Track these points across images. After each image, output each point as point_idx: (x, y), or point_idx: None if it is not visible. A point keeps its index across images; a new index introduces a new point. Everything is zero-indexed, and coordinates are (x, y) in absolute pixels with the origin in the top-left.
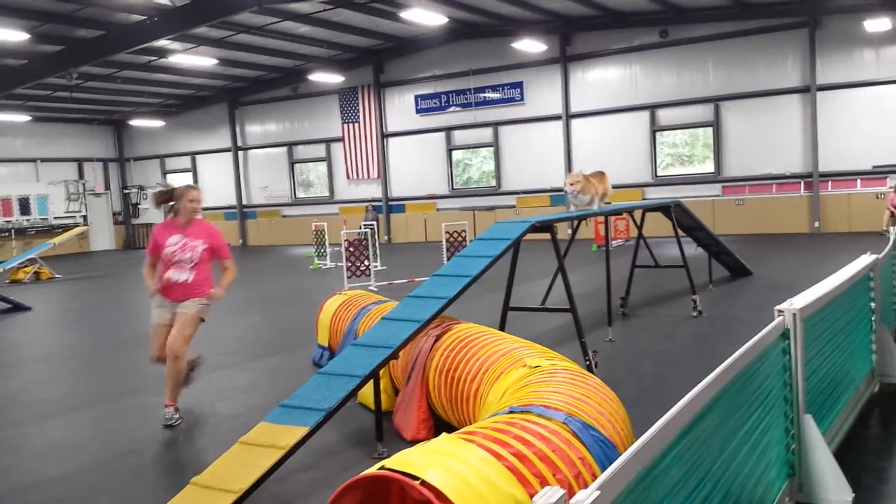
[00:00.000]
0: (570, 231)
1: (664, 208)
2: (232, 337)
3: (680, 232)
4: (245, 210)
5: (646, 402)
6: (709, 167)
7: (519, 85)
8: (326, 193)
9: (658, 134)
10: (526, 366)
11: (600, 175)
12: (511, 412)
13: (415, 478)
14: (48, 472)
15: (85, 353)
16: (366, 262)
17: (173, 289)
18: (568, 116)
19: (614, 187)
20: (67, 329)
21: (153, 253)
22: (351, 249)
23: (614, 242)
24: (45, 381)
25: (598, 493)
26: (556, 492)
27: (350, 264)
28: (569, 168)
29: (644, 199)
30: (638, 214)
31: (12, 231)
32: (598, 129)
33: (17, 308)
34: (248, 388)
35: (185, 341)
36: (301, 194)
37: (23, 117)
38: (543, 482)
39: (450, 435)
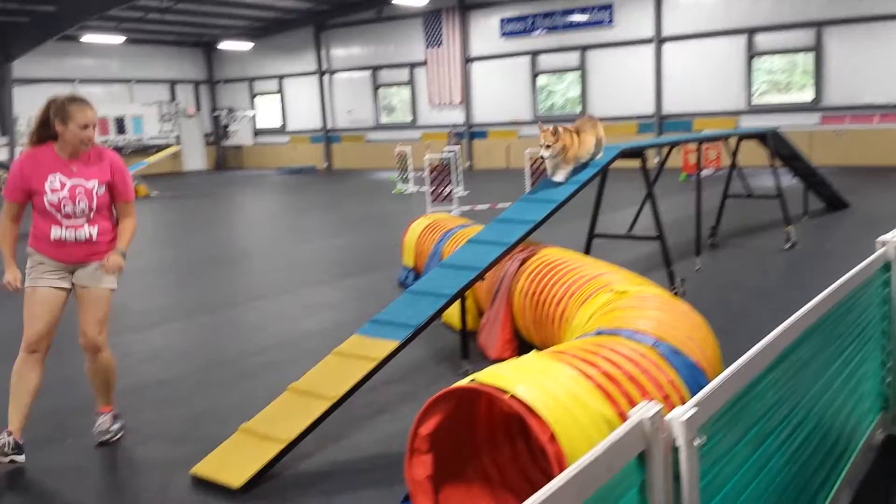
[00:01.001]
0: (657, 160)
1: (760, 136)
2: (319, 257)
3: (776, 162)
4: (330, 134)
5: (734, 333)
6: (807, 95)
7: (608, 7)
8: (409, 118)
9: (754, 59)
10: (613, 290)
11: (589, 123)
12: (599, 334)
13: (504, 392)
14: (153, 375)
15: (182, 268)
16: (448, 188)
17: (71, 250)
18: (659, 40)
19: (705, 115)
20: (165, 244)
21: (15, 199)
22: (434, 174)
23: (704, 172)
24: (146, 293)
25: (695, 409)
26: (653, 406)
27: (433, 189)
28: (658, 95)
29: (737, 127)
30: (731, 143)
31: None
32: (690, 54)
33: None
34: (336, 305)
35: (102, 327)
36: (384, 119)
37: (117, 39)
38: (632, 403)
39: (539, 353)
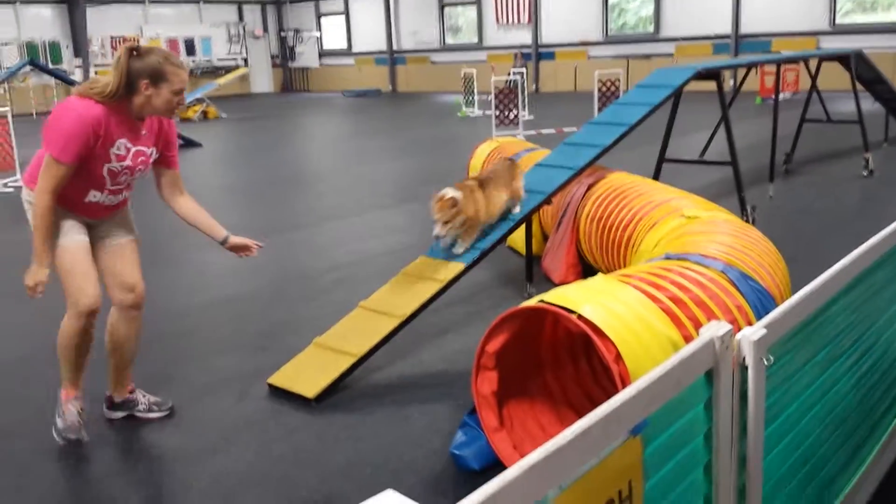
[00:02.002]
0: (732, 82)
1: (842, 58)
2: (385, 180)
3: (857, 86)
4: (395, 56)
5: (806, 261)
6: (894, 15)
7: None
8: (475, 39)
9: None
10: (683, 216)
11: (505, 172)
12: (668, 258)
13: (571, 311)
14: (231, 290)
15: (253, 188)
16: (514, 111)
17: (98, 209)
18: None
19: (785, 35)
20: (235, 165)
21: (71, 160)
22: (500, 97)
23: (782, 95)
24: (219, 212)
25: (764, 331)
26: (723, 325)
27: (498, 112)
28: (736, 14)
29: (818, 49)
30: (812, 64)
31: None
32: None
33: (190, 144)
34: (402, 227)
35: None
36: (449, 40)
37: None
38: (698, 326)
39: (606, 276)
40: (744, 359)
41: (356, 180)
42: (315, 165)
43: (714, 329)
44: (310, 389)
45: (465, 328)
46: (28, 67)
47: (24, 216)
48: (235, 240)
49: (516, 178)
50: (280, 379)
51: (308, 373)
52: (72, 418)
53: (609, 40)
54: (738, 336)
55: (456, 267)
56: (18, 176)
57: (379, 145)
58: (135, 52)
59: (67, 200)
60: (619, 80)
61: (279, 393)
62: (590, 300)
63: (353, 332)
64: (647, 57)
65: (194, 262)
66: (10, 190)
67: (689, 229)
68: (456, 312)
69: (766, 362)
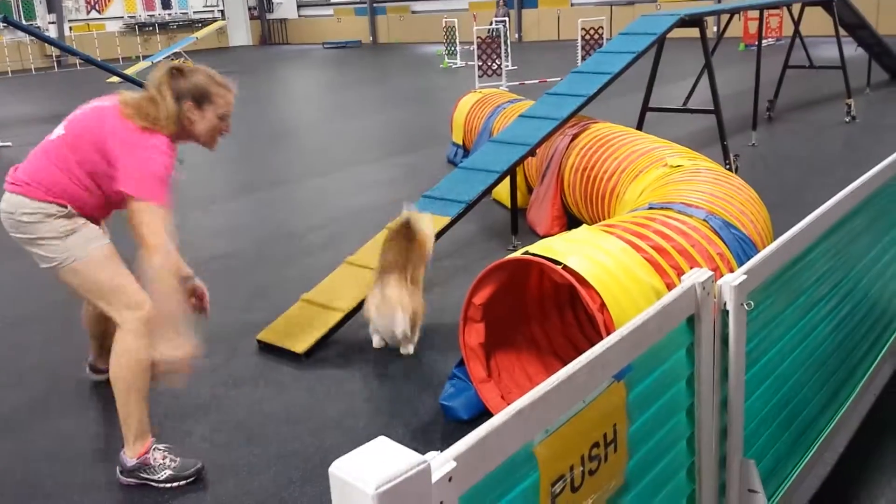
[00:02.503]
0: (716, 28)
1: (826, 3)
2: (368, 134)
3: (840, 31)
4: (375, 5)
5: (788, 207)
6: None
7: None
8: None
9: None
10: (667, 165)
11: (408, 257)
12: (651, 208)
13: (557, 263)
14: (218, 249)
15: (234, 146)
16: (497, 61)
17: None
18: None
19: None
20: None
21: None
22: (482, 47)
23: (765, 42)
24: (203, 171)
25: (744, 277)
26: (705, 272)
27: (481, 63)
28: None
29: None
30: (795, 10)
31: (156, 25)
32: None
33: None
34: (386, 182)
35: None
36: None
37: None
38: (681, 274)
39: (590, 227)
40: (725, 304)
41: (339, 135)
42: (296, 120)
43: (695, 276)
44: (299, 345)
45: (452, 281)
46: (1, 25)
47: (2, 176)
48: (197, 283)
49: (426, 244)
50: (269, 335)
51: (297, 329)
52: (179, 463)
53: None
54: (719, 282)
55: (441, 221)
56: None
57: (361, 98)
58: (176, 71)
59: (89, 210)
60: (602, 28)
61: (269, 349)
62: (575, 251)
63: (341, 287)
64: (631, 3)
65: (183, 222)
66: None
67: (672, 178)
68: (442, 266)
69: (746, 307)
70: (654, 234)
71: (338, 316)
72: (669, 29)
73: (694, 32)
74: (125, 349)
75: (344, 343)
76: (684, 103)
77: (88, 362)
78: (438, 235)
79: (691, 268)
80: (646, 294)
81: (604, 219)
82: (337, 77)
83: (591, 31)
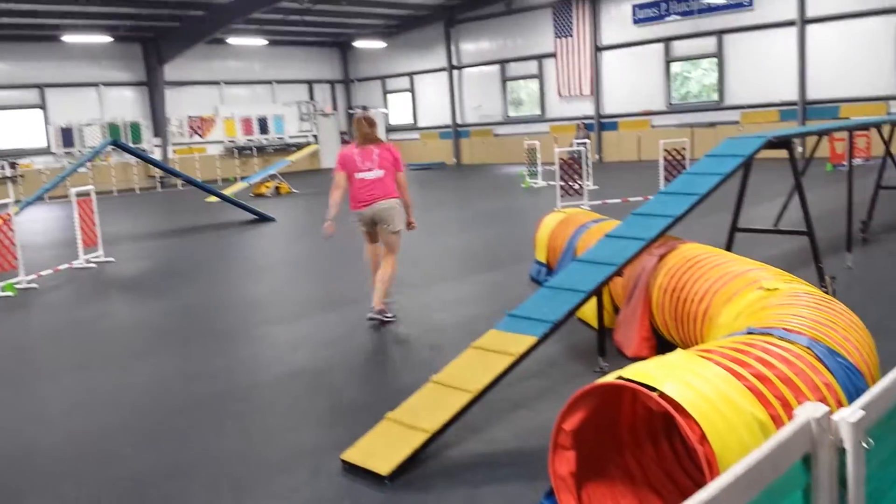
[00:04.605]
0: (801, 149)
1: None
2: (451, 252)
3: None
4: (459, 129)
5: (892, 335)
6: None
7: None
8: (537, 111)
9: None
10: (762, 288)
11: None
12: (750, 333)
13: (652, 389)
14: (301, 364)
15: (322, 260)
16: (578, 181)
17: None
18: (803, 21)
19: (853, 100)
20: (306, 239)
21: None
22: (564, 168)
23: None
24: (291, 284)
25: (862, 412)
26: (819, 407)
27: (563, 183)
28: (802, 80)
29: (889, 114)
30: (885, 130)
31: (254, 149)
32: (837, 36)
33: (263, 219)
34: (470, 299)
35: None
36: (512, 113)
37: (260, 41)
38: (786, 405)
39: (686, 351)
40: (841, 442)
41: (422, 252)
42: None
43: (810, 411)
44: (383, 466)
45: (538, 404)
46: (110, 147)
47: (108, 290)
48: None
49: None
50: (354, 455)
51: (381, 448)
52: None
53: (672, 109)
54: (836, 418)
55: (528, 340)
56: (101, 252)
57: (444, 217)
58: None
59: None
60: (684, 149)
61: (353, 469)
62: (671, 377)
63: (426, 406)
64: (712, 125)
65: (267, 335)
66: (93, 266)
67: (769, 302)
68: (527, 387)
69: (865, 446)
70: (755, 361)
71: (423, 437)
72: (757, 150)
73: (779, 154)
74: (394, 266)
75: (428, 466)
76: (775, 224)
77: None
78: (524, 355)
79: (796, 398)
80: (749, 425)
81: (695, 342)
82: (421, 197)
83: (674, 152)
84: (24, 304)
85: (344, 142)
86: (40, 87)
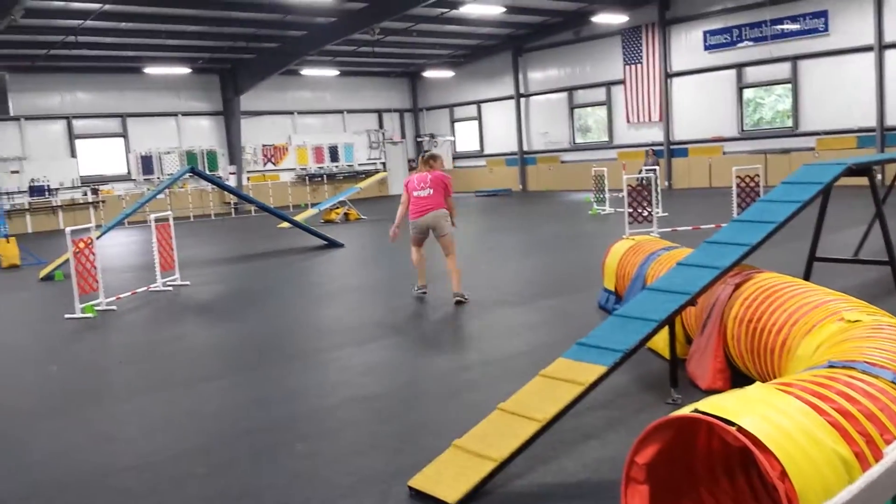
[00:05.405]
0: (879, 177)
1: None
2: (517, 277)
3: None
4: (525, 156)
5: None
6: None
7: (823, 14)
8: (605, 138)
9: None
10: (843, 319)
11: None
12: (831, 367)
13: (730, 423)
14: (370, 389)
15: (391, 285)
16: (647, 208)
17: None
18: (881, 47)
19: None
20: (375, 265)
21: None
22: (632, 195)
23: None
24: (360, 309)
25: None
26: None
27: (631, 210)
28: (881, 106)
29: None
30: None
31: (324, 176)
32: None
33: (333, 245)
34: (536, 326)
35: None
36: (579, 140)
37: (332, 72)
38: (870, 442)
39: (764, 384)
40: None
41: (489, 277)
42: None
43: None
44: (451, 494)
45: (607, 434)
46: (188, 174)
47: (183, 313)
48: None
49: None
50: (421, 481)
51: (449, 476)
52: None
53: (744, 136)
54: None
55: (597, 370)
56: (178, 275)
57: (510, 243)
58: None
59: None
60: (758, 176)
61: (420, 496)
62: (749, 411)
63: (493, 434)
64: (786, 152)
65: (335, 359)
66: (170, 289)
67: (851, 334)
68: (596, 417)
69: None
70: (837, 396)
71: (490, 465)
72: (836, 178)
73: (858, 181)
74: (455, 261)
75: (496, 496)
76: (856, 253)
77: (420, 288)
78: (594, 385)
79: (881, 435)
80: (831, 462)
81: (773, 374)
82: (487, 223)
83: (747, 179)
84: (104, 326)
85: (411, 168)
86: (122, 116)
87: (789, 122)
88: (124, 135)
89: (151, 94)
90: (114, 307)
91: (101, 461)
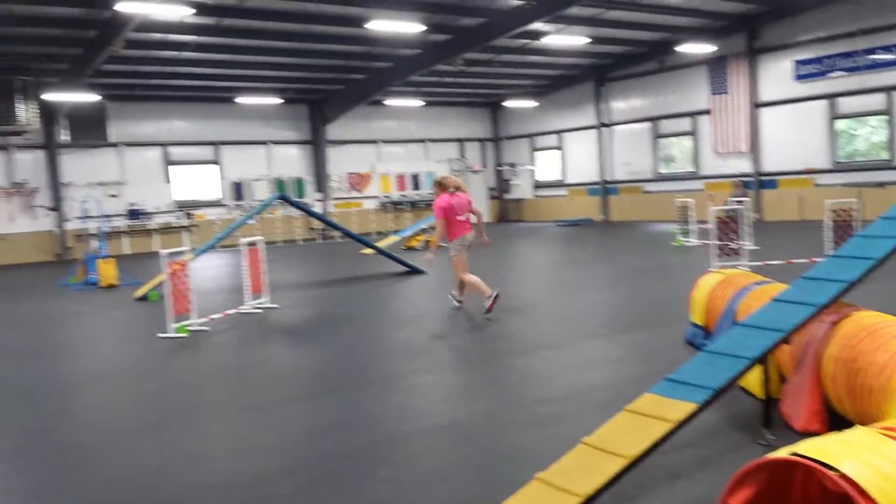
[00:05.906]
0: None
1: None
2: (598, 309)
3: None
4: (607, 185)
5: None
6: None
7: None
8: (690, 168)
9: None
10: None
11: None
12: None
13: (830, 468)
14: (451, 415)
15: (473, 314)
16: (736, 241)
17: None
18: None
19: None
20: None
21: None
22: (720, 227)
23: None
24: (443, 336)
25: None
26: None
27: (719, 242)
28: None
29: None
30: None
31: (407, 204)
32: None
33: (414, 271)
34: (619, 360)
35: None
36: (662, 170)
37: (416, 102)
38: None
39: (865, 427)
40: None
41: (570, 309)
42: (529, 293)
43: None
44: None
45: (697, 474)
46: (277, 201)
47: (271, 335)
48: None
49: None
50: None
51: None
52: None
53: (837, 168)
54: None
55: (687, 407)
56: (267, 298)
57: (592, 274)
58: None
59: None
60: (853, 210)
61: None
62: (850, 455)
63: (577, 469)
64: (882, 185)
65: (418, 385)
66: (259, 311)
67: None
68: (685, 456)
69: None
70: None
71: (575, 501)
72: None
73: None
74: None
75: None
76: None
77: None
78: (684, 423)
79: None
80: None
81: (874, 418)
82: (568, 253)
83: (841, 213)
84: (196, 346)
85: (493, 197)
86: (216, 144)
87: (885, 155)
88: (217, 162)
89: (243, 122)
90: (206, 328)
91: (191, 479)
